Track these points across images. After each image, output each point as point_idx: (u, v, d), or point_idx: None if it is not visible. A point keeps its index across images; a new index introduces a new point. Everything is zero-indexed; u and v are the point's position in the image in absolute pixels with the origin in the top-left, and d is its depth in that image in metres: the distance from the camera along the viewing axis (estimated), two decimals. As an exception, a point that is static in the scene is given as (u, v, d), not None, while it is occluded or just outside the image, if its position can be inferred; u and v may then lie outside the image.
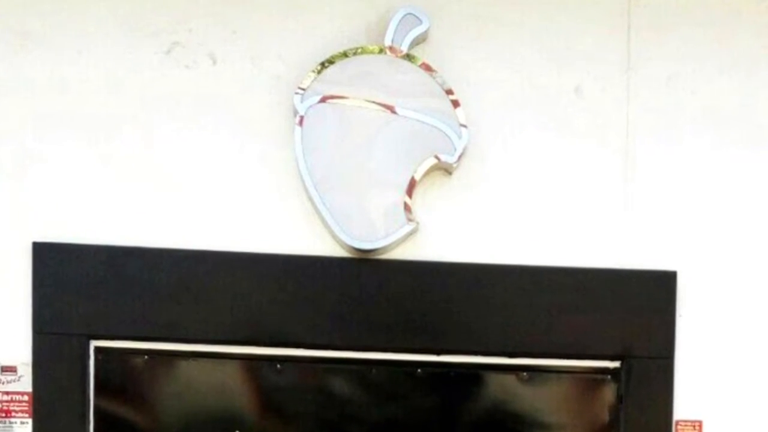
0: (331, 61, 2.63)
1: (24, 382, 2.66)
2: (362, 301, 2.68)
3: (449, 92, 2.65)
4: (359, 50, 2.63)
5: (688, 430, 2.77)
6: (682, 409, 2.78)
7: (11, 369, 2.65)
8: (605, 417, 2.80)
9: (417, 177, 2.63)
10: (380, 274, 2.68)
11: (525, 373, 2.77)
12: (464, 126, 2.64)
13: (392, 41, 2.64)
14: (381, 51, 2.64)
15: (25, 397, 2.66)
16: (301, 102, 2.61)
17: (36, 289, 2.63)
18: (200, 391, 2.74)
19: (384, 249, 2.66)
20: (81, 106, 2.63)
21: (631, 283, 2.73)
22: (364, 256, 2.67)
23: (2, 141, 2.61)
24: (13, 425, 2.66)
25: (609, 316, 2.72)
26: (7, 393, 2.65)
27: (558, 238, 2.73)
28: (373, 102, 2.62)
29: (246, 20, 2.66)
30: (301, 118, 2.61)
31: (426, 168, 2.63)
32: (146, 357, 2.71)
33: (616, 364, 2.77)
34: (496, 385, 2.78)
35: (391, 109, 2.62)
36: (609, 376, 2.78)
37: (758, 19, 2.75)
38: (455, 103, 2.64)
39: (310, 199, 2.63)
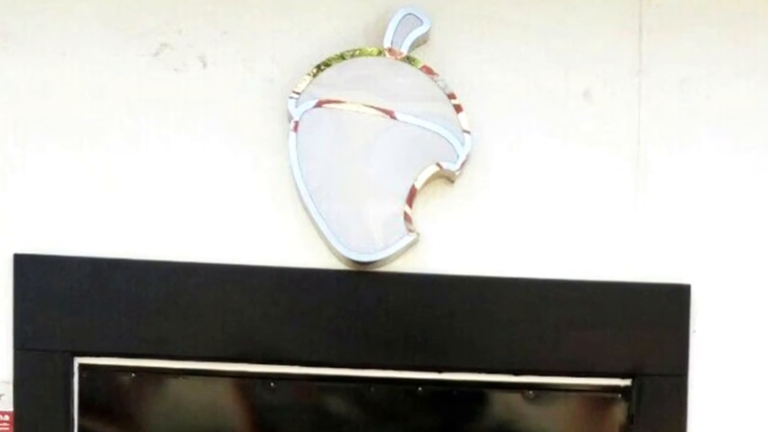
0: (327, 64, 2.59)
1: (5, 401, 2.61)
2: (360, 315, 2.63)
3: (451, 96, 2.61)
4: (357, 52, 2.60)
5: (702, 450, 2.72)
6: (695, 429, 2.73)
7: (-9, 387, 2.60)
8: (615, 437, 2.76)
9: (418, 185, 2.59)
10: (379, 287, 2.64)
11: (531, 392, 2.72)
12: (467, 132, 2.60)
13: (392, 43, 2.61)
14: (380, 53, 2.60)
15: (6, 417, 2.61)
16: (296, 107, 2.57)
17: (17, 304, 2.58)
18: (190, 411, 2.69)
19: (383, 261, 2.61)
20: (64, 110, 2.59)
21: (643, 297, 2.68)
22: (362, 268, 2.62)
23: (-19, 147, 2.58)
24: (-7, 446, 2.61)
25: (619, 331, 2.68)
26: (-13, 413, 2.61)
27: (566, 250, 2.69)
28: (372, 107, 2.59)
29: (238, 21, 2.62)
30: (296, 123, 2.57)
31: (427, 176, 2.59)
32: (133, 375, 2.66)
33: (626, 382, 2.72)
34: (500, 404, 2.74)
35: (391, 115, 2.59)
36: (619, 395, 2.73)
37: (776, 20, 2.71)
38: (458, 108, 2.60)
39: (305, 208, 2.59)
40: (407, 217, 2.59)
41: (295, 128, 2.57)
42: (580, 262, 2.69)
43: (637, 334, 2.68)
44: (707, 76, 2.70)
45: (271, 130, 2.62)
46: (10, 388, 2.60)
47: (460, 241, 2.67)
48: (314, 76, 2.58)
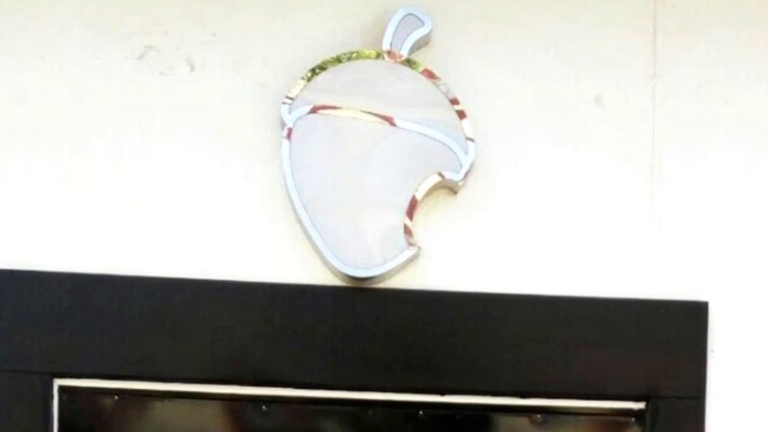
0: (322, 67, 2.56)
1: (-20, 426, 2.55)
2: (357, 334, 2.59)
3: (454, 102, 2.57)
4: (354, 55, 2.57)
5: (720, 477, 2.69)
6: (713, 454, 2.70)
7: (-34, 410, 2.54)
8: (628, 463, 2.73)
9: (419, 196, 2.55)
10: (377, 304, 2.59)
11: (539, 416, 2.67)
12: (471, 139, 2.56)
13: (391, 45, 2.58)
14: (378, 56, 2.57)
15: (-18, 442, 2.55)
16: (289, 113, 2.54)
17: (-7, 322, 2.56)
18: (177, 436, 2.68)
19: (382, 277, 2.56)
20: (43, 117, 2.55)
21: (658, 315, 2.63)
22: (359, 284, 2.57)
23: (-45, 156, 2.57)
24: (-33, 473, 2.55)
25: (632, 351, 2.62)
26: (-39, 438, 2.55)
27: (576, 265, 2.64)
28: (370, 113, 2.56)
29: (228, 22, 2.59)
30: (289, 130, 2.54)
31: (429, 186, 2.55)
32: (116, 397, 2.62)
33: (640, 405, 2.66)
34: (506, 428, 2.69)
35: (390, 121, 2.56)
36: (633, 419, 2.67)
37: (798, 21, 2.71)
38: (461, 114, 2.57)
39: (299, 221, 2.55)
40: (407, 230, 2.55)
41: (289, 136, 2.53)
42: (590, 278, 2.65)
43: (652, 355, 2.63)
44: (726, 79, 2.66)
45: (262, 138, 2.58)
46: (-14, 411, 2.55)
47: (464, 256, 2.63)
48: (309, 80, 2.55)
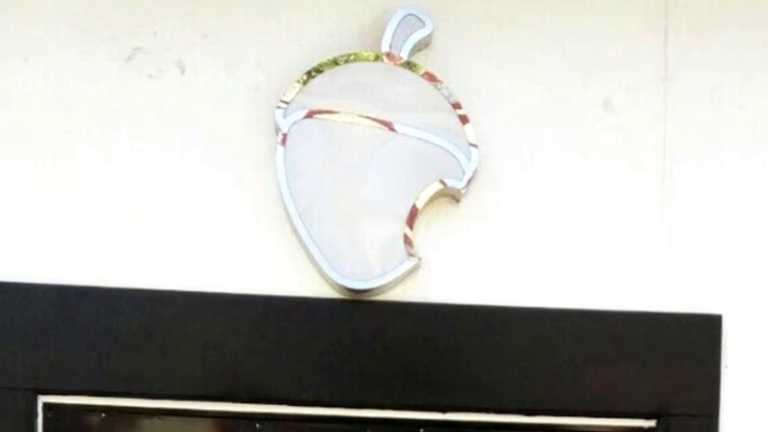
0: (318, 70, 2.54)
1: (-40, 444, 2.53)
2: (355, 349, 2.57)
3: (457, 106, 2.55)
4: (352, 57, 2.56)
5: (734, 499, 2.67)
6: (727, 474, 2.67)
7: (-54, 429, 2.51)
8: (638, 484, 2.71)
9: (419, 205, 2.53)
10: (376, 317, 2.57)
11: None
12: (474, 145, 2.55)
13: (390, 46, 2.56)
14: (377, 58, 2.56)
15: (-38, 462, 2.51)
16: (284, 117, 2.52)
17: (-26, 336, 2.54)
18: (166, 455, 2.67)
19: (381, 289, 2.54)
20: (27, 121, 2.55)
21: (669, 329, 2.60)
22: (357, 297, 2.55)
23: (-65, 162, 2.56)
24: (-53, 495, 2.52)
25: (643, 367, 2.59)
26: (-59, 457, 2.52)
27: (583, 277, 2.62)
28: (368, 117, 2.54)
29: (220, 22, 2.58)
30: (284, 136, 2.52)
31: (430, 194, 2.53)
32: (103, 415, 2.60)
33: (651, 423, 2.63)
34: None
35: (389, 126, 2.54)
36: None
37: (816, 22, 2.70)
38: (463, 119, 2.55)
39: (295, 230, 2.52)
40: (408, 240, 2.53)
41: (283, 141, 2.52)
42: (599, 291, 2.63)
43: (663, 370, 2.60)
44: (740, 83, 2.65)
45: (256, 144, 2.57)
46: (-33, 429, 2.53)
47: (467, 267, 2.61)
48: (304, 83, 2.54)
